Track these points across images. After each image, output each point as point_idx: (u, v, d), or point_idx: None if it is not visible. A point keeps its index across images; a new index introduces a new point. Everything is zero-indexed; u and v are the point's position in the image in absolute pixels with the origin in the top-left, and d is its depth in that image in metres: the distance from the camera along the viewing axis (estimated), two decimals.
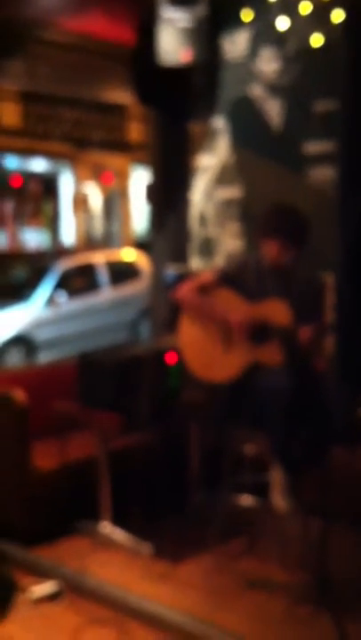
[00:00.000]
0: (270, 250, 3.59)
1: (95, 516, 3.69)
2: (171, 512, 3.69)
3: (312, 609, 2.98)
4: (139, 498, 3.65)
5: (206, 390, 3.64)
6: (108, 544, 3.62)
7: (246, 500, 3.90)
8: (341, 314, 4.12)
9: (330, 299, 4.13)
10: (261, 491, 3.77)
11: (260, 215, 3.72)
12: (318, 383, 3.41)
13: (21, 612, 3.11)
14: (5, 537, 3.60)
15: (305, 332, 3.32)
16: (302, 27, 4.47)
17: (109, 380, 3.52)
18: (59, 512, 3.67)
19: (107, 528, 3.67)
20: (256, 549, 3.54)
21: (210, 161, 5.22)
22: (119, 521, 3.67)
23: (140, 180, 18.01)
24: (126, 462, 3.76)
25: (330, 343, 3.36)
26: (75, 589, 3.25)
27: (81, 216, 17.37)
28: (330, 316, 4.10)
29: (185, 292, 3.72)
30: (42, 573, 3.37)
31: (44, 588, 3.24)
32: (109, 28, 5.27)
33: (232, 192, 5.09)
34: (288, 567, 3.29)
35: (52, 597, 3.22)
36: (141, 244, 13.65)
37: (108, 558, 3.52)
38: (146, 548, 3.53)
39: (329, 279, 4.17)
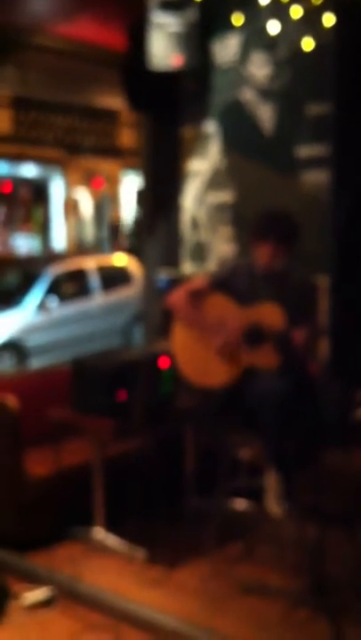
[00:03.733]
0: (263, 254, 3.59)
1: (89, 522, 3.67)
2: (166, 517, 3.68)
3: (308, 613, 2.97)
4: (133, 503, 3.63)
5: (200, 395, 3.63)
6: (103, 550, 3.61)
7: (241, 504, 3.90)
8: (336, 316, 4.12)
9: (324, 301, 4.14)
10: (256, 495, 3.76)
11: (252, 220, 3.73)
12: (312, 386, 3.41)
13: (15, 619, 3.08)
14: None
15: (299, 335, 3.32)
16: (293, 31, 4.48)
17: (103, 385, 3.50)
18: (53, 518, 3.66)
19: (100, 534, 3.65)
20: (252, 554, 3.52)
21: (201, 165, 5.22)
22: (113, 526, 3.65)
23: (130, 185, 18.02)
24: (120, 468, 3.74)
25: (324, 346, 3.36)
26: (69, 595, 3.23)
27: (72, 221, 17.37)
28: (324, 318, 4.10)
29: (177, 297, 3.71)
30: (35, 580, 3.35)
31: (37, 595, 3.22)
32: (100, 34, 5.27)
33: (224, 196, 5.09)
34: (284, 571, 3.28)
35: (45, 603, 3.20)
36: (133, 249, 13.63)
37: (103, 564, 3.51)
38: (140, 553, 3.52)
39: (323, 282, 4.17)
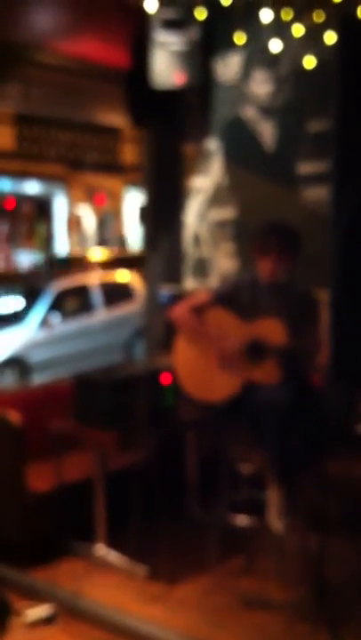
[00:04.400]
0: (266, 265, 3.61)
1: (90, 537, 3.66)
2: (167, 532, 3.67)
3: (311, 626, 2.96)
4: (135, 518, 3.63)
5: (202, 409, 3.64)
6: (104, 566, 3.59)
7: (243, 519, 3.88)
8: (337, 329, 4.12)
9: (325, 315, 4.14)
10: (258, 510, 3.75)
11: (255, 233, 3.74)
12: (315, 398, 3.41)
13: (16, 636, 3.07)
14: (0, 558, 3.56)
15: (305, 346, 3.34)
16: (295, 49, 4.51)
17: (105, 398, 3.51)
18: (54, 533, 3.64)
19: (102, 550, 3.64)
20: (253, 568, 3.51)
21: (204, 182, 5.24)
22: (115, 542, 3.64)
23: (133, 201, 18.08)
24: (122, 482, 3.74)
25: (325, 358, 3.36)
26: (70, 612, 3.22)
27: (74, 237, 17.41)
28: (325, 332, 4.10)
29: (179, 312, 3.72)
30: (36, 596, 3.34)
31: (38, 612, 3.21)
32: (103, 51, 5.32)
33: (226, 213, 5.11)
34: (286, 585, 3.26)
35: (46, 620, 3.18)
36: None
37: (104, 580, 3.49)
38: (141, 569, 3.50)
39: (324, 296, 4.17)
